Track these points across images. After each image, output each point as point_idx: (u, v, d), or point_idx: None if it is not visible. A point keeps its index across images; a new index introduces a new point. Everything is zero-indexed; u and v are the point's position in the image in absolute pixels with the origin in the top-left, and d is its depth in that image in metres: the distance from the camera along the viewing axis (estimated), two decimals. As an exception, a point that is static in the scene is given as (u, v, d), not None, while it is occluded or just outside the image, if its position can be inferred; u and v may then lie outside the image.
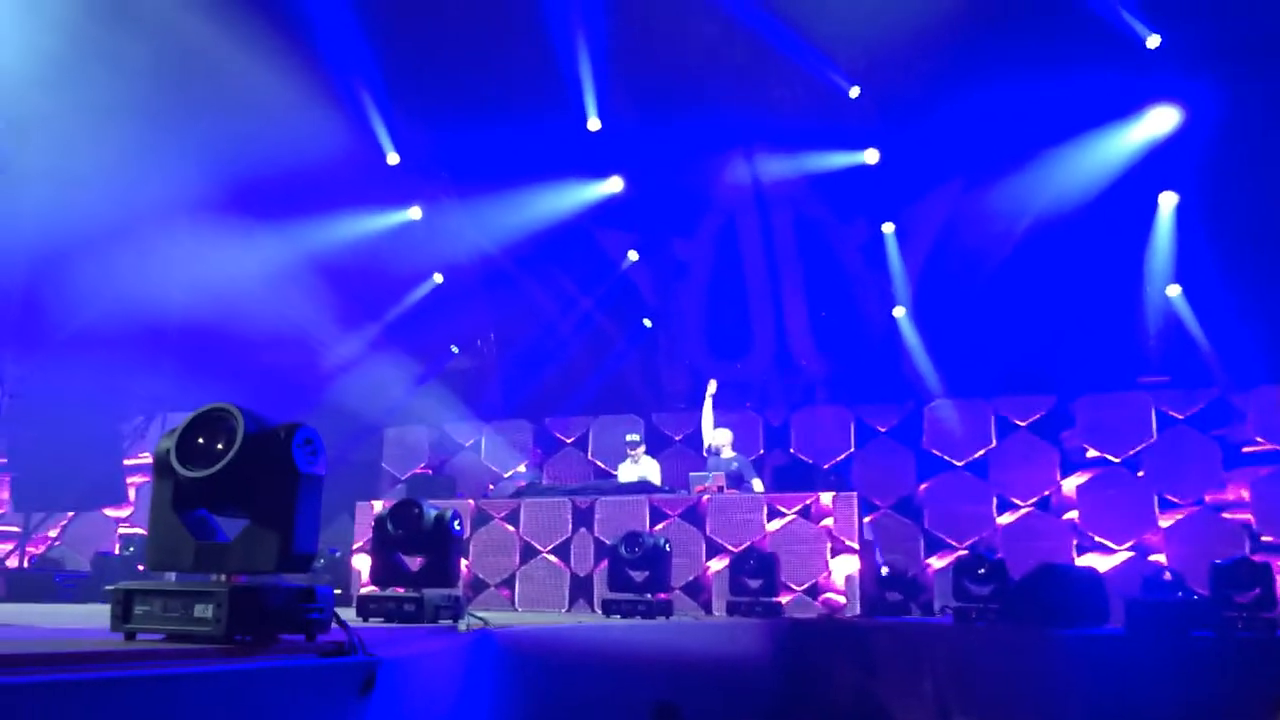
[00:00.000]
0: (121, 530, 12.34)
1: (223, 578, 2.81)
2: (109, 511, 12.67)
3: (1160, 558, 10.05)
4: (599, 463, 11.92)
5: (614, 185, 13.16)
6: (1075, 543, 10.42)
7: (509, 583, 9.84)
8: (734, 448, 10.61)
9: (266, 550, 2.78)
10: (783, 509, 9.26)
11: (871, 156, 12.38)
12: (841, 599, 8.72)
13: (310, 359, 12.47)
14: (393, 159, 12.70)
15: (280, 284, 11.41)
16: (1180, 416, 10.30)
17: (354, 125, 11.86)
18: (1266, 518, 9.79)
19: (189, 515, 2.87)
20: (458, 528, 5.15)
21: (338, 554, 10.18)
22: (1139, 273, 11.64)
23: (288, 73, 10.13)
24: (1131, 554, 10.16)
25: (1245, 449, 10.06)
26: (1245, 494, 9.99)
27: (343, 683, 2.80)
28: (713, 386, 10.86)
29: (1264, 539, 9.64)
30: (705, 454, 10.62)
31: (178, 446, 2.81)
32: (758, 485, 10.17)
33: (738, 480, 9.91)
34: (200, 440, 2.81)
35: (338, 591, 10.00)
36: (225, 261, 10.69)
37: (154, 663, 2.43)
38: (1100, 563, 10.10)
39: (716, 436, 10.54)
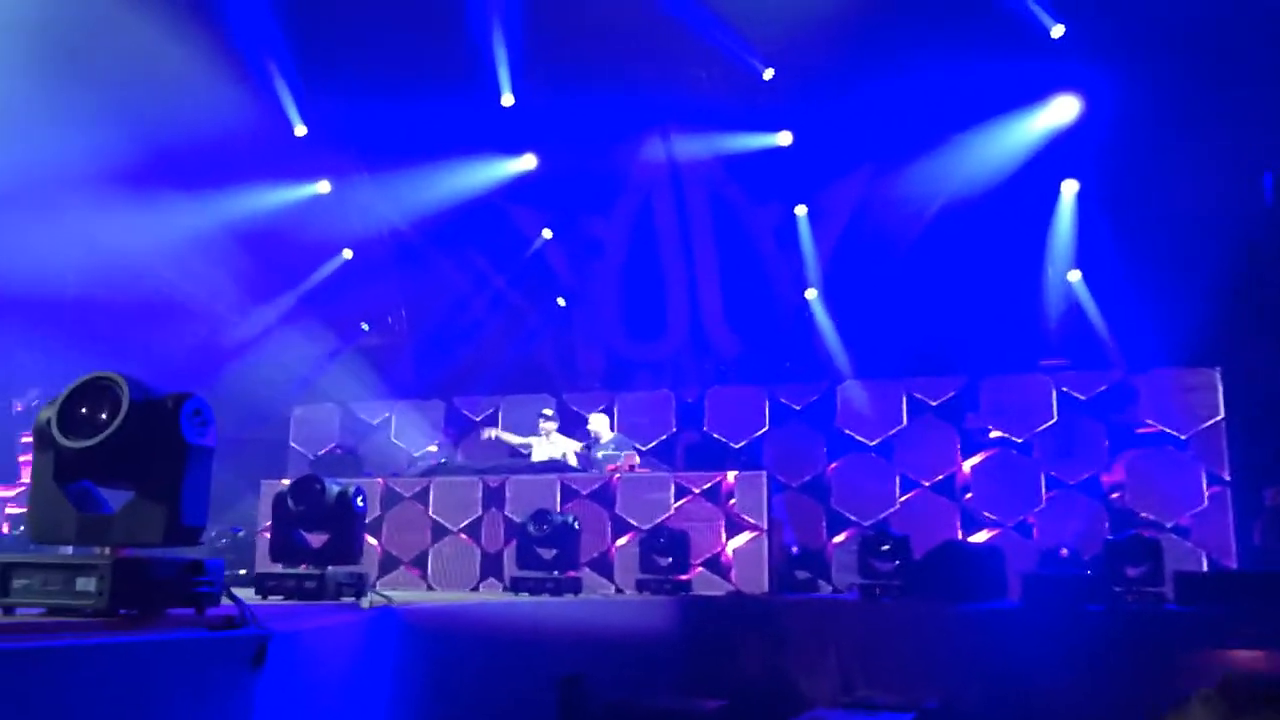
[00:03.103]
0: (10, 510, 11.92)
1: (107, 551, 2.72)
2: (2, 491, 12.22)
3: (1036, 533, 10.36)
4: (518, 449, 11.83)
5: (528, 162, 13.06)
6: (959, 521, 10.67)
7: (420, 561, 9.77)
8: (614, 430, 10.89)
9: (152, 523, 2.70)
10: (691, 488, 9.34)
11: (785, 139, 12.48)
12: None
13: (215, 334, 12.17)
14: (300, 131, 12.42)
15: (184, 256, 11.11)
16: (1082, 398, 10.59)
17: (259, 95, 11.56)
18: (1146, 497, 10.12)
19: (71, 487, 2.77)
20: (360, 504, 5.07)
21: (241, 533, 9.99)
22: (1041, 258, 11.96)
23: (190, 38, 9.82)
24: (1017, 531, 10.43)
25: (1139, 430, 10.39)
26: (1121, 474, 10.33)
27: (233, 656, 2.74)
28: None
29: (1143, 516, 9.98)
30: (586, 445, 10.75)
31: (59, 416, 2.71)
32: (634, 459, 10.32)
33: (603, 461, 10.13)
34: (83, 410, 2.71)
35: (242, 572, 9.83)
36: (125, 232, 10.35)
37: (29, 636, 2.35)
38: (989, 540, 10.37)
39: (595, 424, 10.63)
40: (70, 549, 2.94)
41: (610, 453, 10.27)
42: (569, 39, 11.52)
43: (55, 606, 2.64)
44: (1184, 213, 10.45)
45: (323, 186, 13.06)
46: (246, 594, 4.85)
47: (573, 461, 10.33)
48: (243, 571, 9.48)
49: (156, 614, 2.71)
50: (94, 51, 9.44)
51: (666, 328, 13.39)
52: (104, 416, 2.67)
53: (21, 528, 9.82)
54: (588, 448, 10.64)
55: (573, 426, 11.39)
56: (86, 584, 2.61)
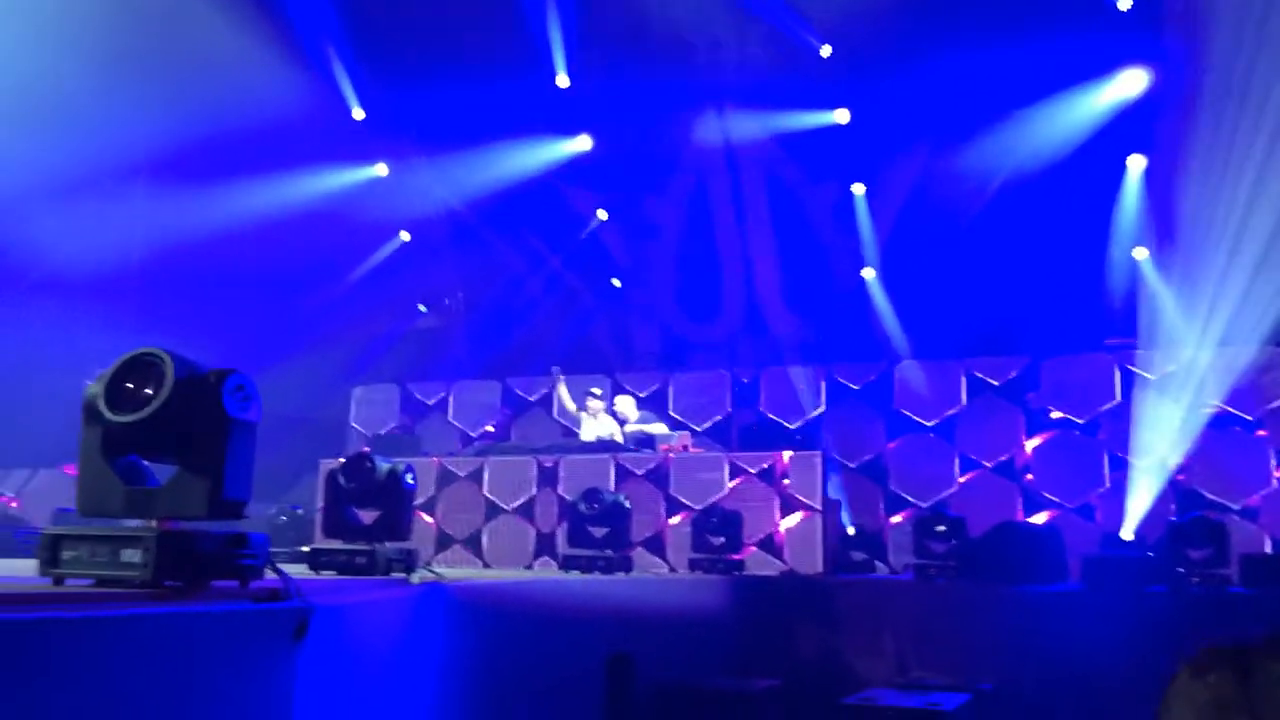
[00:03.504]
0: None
1: (153, 523, 2.77)
2: (70, 468, 12.56)
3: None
4: (563, 421, 11.88)
5: (583, 144, 13.07)
6: (1020, 502, 10.51)
7: (474, 540, 9.86)
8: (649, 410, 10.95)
9: (196, 496, 2.75)
10: (746, 468, 9.31)
11: (842, 116, 12.35)
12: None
13: (275, 317, 12.35)
14: (358, 114, 12.55)
15: (244, 240, 11.28)
16: (1151, 377, 10.34)
17: (318, 80, 11.73)
18: (1213, 478, 9.88)
19: (118, 461, 2.82)
20: (410, 481, 5.13)
21: (300, 511, 10.16)
22: (1106, 235, 11.69)
23: (249, 25, 9.97)
24: (1078, 513, 10.25)
25: (1205, 410, 10.13)
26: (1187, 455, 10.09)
27: (276, 628, 2.78)
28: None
29: (1209, 498, 9.75)
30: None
31: (106, 391, 2.77)
32: (661, 429, 10.36)
33: (648, 443, 10.07)
34: (129, 385, 2.76)
35: (305, 549, 9.98)
36: (188, 215, 10.55)
37: (79, 605, 2.40)
38: (1049, 521, 10.21)
39: (620, 405, 10.63)
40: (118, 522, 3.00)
41: (663, 433, 10.28)
42: (623, 19, 11.50)
43: (102, 578, 2.70)
44: (1252, 188, 10.15)
45: (380, 169, 13.19)
46: (301, 570, 4.94)
47: (619, 439, 10.34)
48: (305, 549, 9.63)
49: (201, 586, 2.76)
50: (156, 39, 9.63)
51: (722, 308, 13.34)
52: (149, 392, 2.72)
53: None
54: (621, 424, 10.63)
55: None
56: (132, 555, 2.66)
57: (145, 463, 2.91)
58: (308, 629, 2.83)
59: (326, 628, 3.04)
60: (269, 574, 3.00)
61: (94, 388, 2.79)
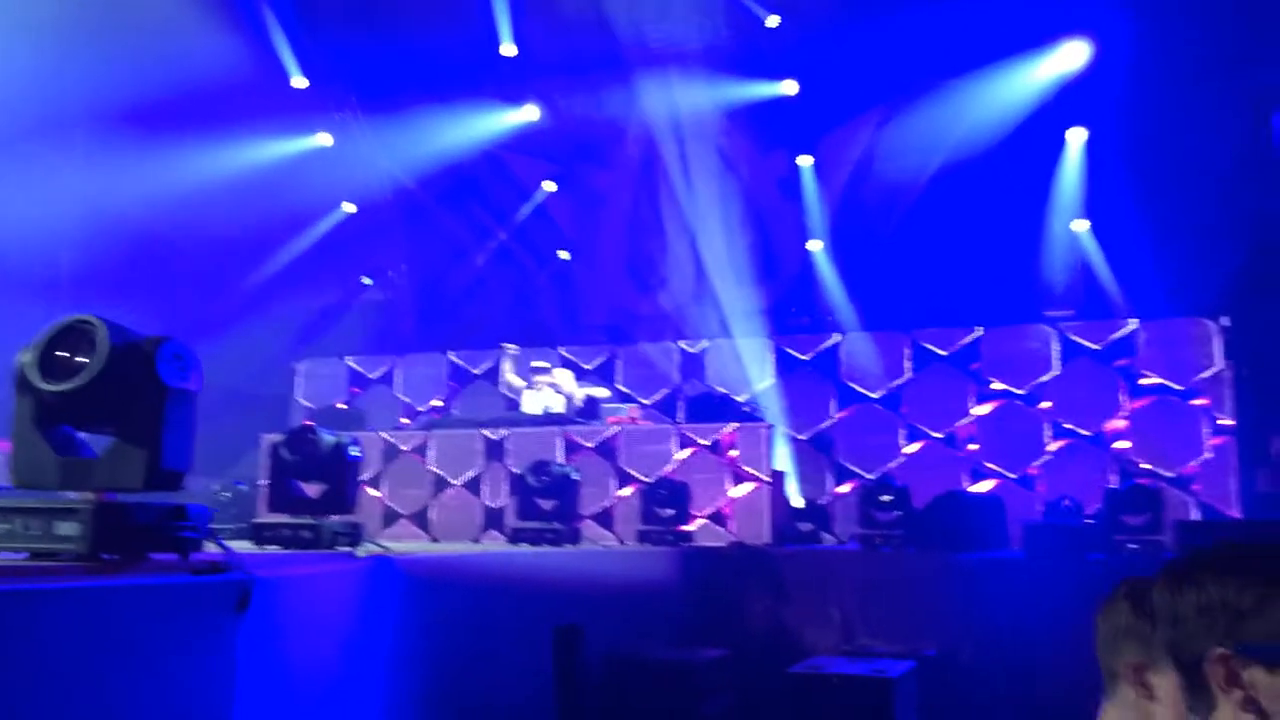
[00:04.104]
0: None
1: (90, 495, 2.70)
2: (3, 443, 12.26)
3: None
4: (509, 394, 11.82)
5: (530, 114, 12.94)
6: (967, 473, 10.68)
7: (421, 515, 9.80)
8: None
9: (133, 467, 2.68)
10: (695, 440, 9.34)
11: (790, 88, 12.34)
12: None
13: (216, 289, 12.13)
14: (299, 82, 12.31)
15: (185, 210, 11.04)
16: (1095, 347, 10.51)
17: (258, 45, 11.46)
18: (1149, 447, 10.11)
19: (52, 431, 2.75)
20: (355, 454, 5.06)
21: (244, 487, 10.01)
22: (1046, 207, 11.83)
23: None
24: (1020, 483, 10.44)
25: (1140, 380, 10.34)
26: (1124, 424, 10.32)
27: (217, 601, 2.73)
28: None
29: (1142, 466, 9.97)
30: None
31: (39, 360, 2.69)
32: (604, 392, 10.51)
33: (592, 407, 10.17)
34: (62, 354, 2.68)
35: (246, 524, 9.85)
36: (122, 185, 10.28)
37: (12, 579, 2.34)
38: (992, 491, 10.38)
39: (558, 376, 10.57)
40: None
41: (606, 395, 10.30)
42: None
43: (37, 551, 2.63)
44: (1194, 160, 10.33)
45: (324, 139, 12.96)
46: (245, 545, 4.87)
47: (559, 410, 10.27)
48: (246, 524, 9.51)
49: (139, 558, 2.70)
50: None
51: (669, 280, 13.32)
52: (83, 360, 2.65)
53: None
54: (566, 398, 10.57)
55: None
56: (68, 528, 2.59)
57: (80, 434, 2.84)
58: (250, 601, 2.79)
59: (269, 600, 3.00)
60: (210, 547, 2.95)
61: (25, 356, 2.70)
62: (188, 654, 2.64)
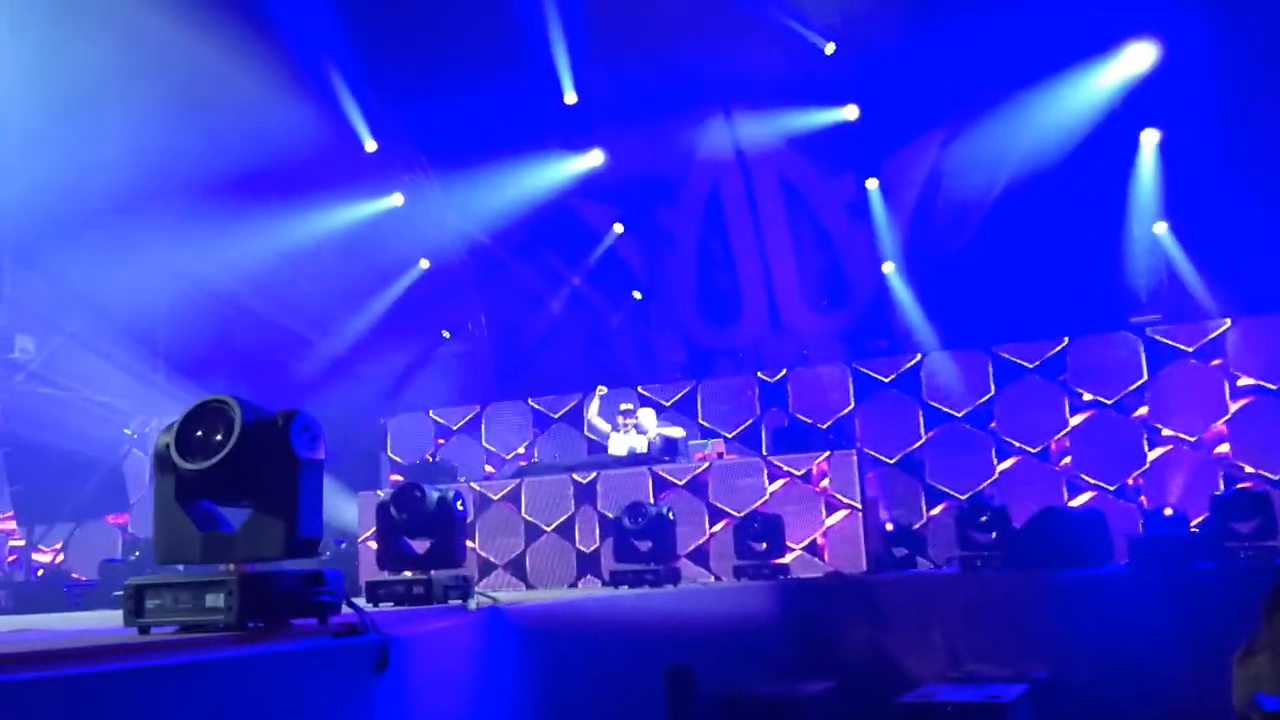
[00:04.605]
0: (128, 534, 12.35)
1: (231, 567, 2.82)
2: (112, 519, 12.67)
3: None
4: (593, 437, 11.90)
5: (595, 159, 13.11)
6: (1064, 486, 10.50)
7: (517, 563, 9.89)
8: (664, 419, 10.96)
9: (272, 537, 2.80)
10: (783, 471, 9.32)
11: (851, 112, 12.35)
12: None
13: (305, 352, 12.45)
14: (370, 146, 12.65)
15: (269, 279, 11.38)
16: (1187, 349, 10.32)
17: (329, 114, 11.80)
18: (1248, 449, 9.86)
19: (193, 507, 2.88)
20: (460, 508, 5.16)
21: (344, 545, 10.21)
22: (1124, 212, 11.63)
23: (258, 62, 10.05)
24: (1119, 494, 10.23)
25: (1237, 382, 10.10)
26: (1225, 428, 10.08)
27: (357, 662, 2.83)
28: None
29: (1247, 470, 9.72)
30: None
31: (177, 440, 2.82)
32: (679, 431, 10.42)
33: (672, 447, 10.14)
34: (199, 433, 2.81)
35: (347, 583, 10.04)
36: (212, 258, 10.66)
37: (169, 653, 2.45)
38: (1090, 503, 10.20)
39: (641, 416, 10.60)
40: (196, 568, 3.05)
41: (680, 435, 10.32)
42: (626, 31, 11.54)
43: (187, 623, 2.75)
44: (1274, 151, 10.12)
45: (396, 199, 13.27)
46: (359, 603, 4.98)
47: (643, 450, 10.31)
48: (348, 581, 9.70)
49: (282, 625, 2.81)
50: (168, 82, 9.69)
51: (743, 312, 13.36)
52: (219, 438, 2.77)
53: (136, 553, 10.15)
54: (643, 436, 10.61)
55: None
56: (215, 600, 2.71)
57: (218, 508, 2.96)
58: (388, 661, 2.87)
59: (402, 657, 3.09)
60: (345, 609, 3.04)
61: (164, 437, 2.84)
62: (332, 714, 2.73)
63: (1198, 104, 10.68)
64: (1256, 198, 10.30)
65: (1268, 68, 10.01)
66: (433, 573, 5.00)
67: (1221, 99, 10.46)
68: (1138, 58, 11.01)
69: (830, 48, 11.80)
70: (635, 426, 10.50)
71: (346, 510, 10.39)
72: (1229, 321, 10.25)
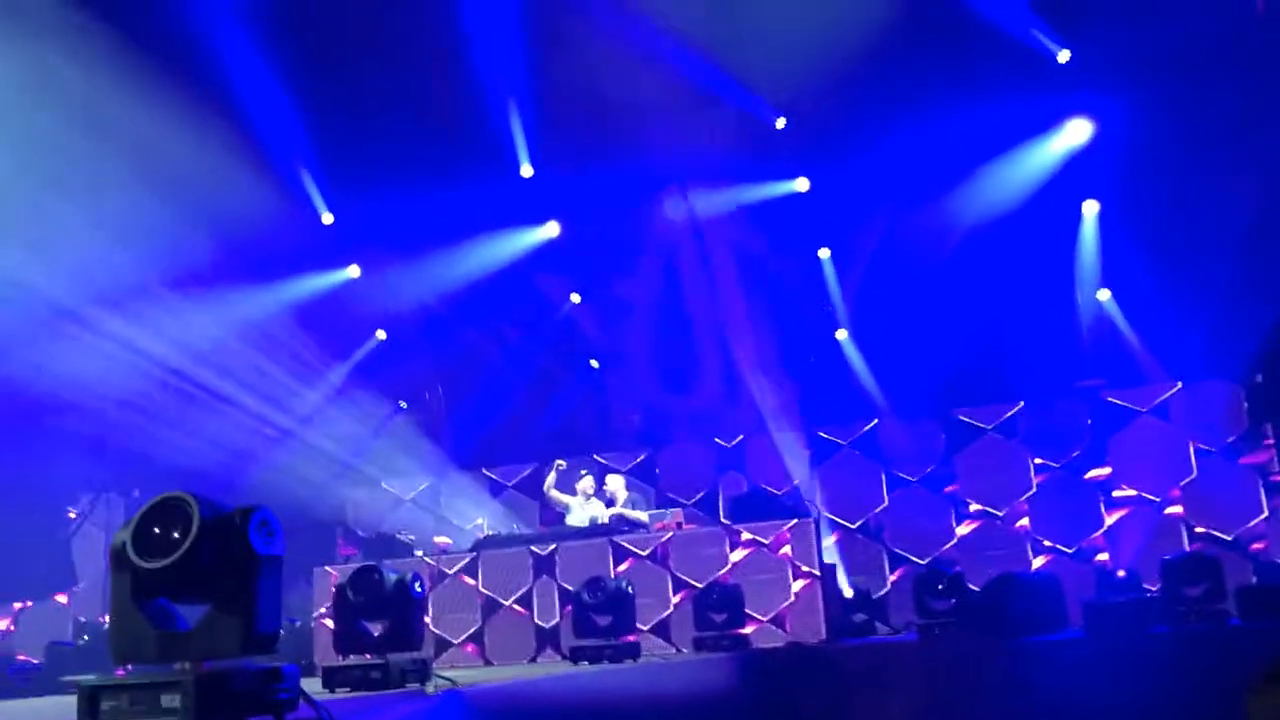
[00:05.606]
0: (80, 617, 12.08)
1: (187, 665, 2.80)
2: (60, 598, 12.39)
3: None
4: (556, 509, 11.87)
5: (551, 230, 13.23)
6: (1022, 547, 10.64)
7: (475, 637, 9.78)
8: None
9: (229, 634, 2.79)
10: (746, 540, 9.33)
11: (802, 185, 12.59)
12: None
13: (258, 427, 12.33)
14: (327, 219, 12.69)
15: (221, 355, 11.32)
16: (1141, 410, 10.55)
17: (286, 188, 11.84)
18: (1202, 510, 10.06)
19: (149, 605, 2.86)
20: (419, 589, 5.15)
21: (298, 624, 10.05)
22: (1070, 280, 11.92)
23: (214, 141, 10.09)
24: (1076, 557, 10.38)
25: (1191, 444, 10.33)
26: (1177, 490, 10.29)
27: (315, 760, 2.81)
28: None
29: (1197, 530, 9.91)
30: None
31: (134, 538, 2.81)
32: (643, 516, 10.33)
33: (633, 524, 10.10)
34: (156, 530, 2.81)
35: (301, 662, 9.85)
36: (164, 337, 10.59)
37: (124, 759, 2.43)
38: (1046, 567, 10.33)
39: (611, 484, 10.62)
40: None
41: (643, 520, 10.28)
42: (581, 106, 11.71)
43: (143, 725, 2.72)
44: (1208, 223, 10.44)
45: (353, 271, 13.30)
46: (312, 686, 4.93)
47: (604, 519, 10.30)
48: (301, 662, 9.51)
49: (239, 724, 2.79)
50: (123, 165, 9.68)
51: (700, 380, 13.44)
52: (176, 535, 2.77)
53: (85, 637, 9.92)
54: (609, 506, 10.60)
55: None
56: (171, 701, 2.69)
57: (174, 605, 2.95)
58: (347, 758, 2.85)
59: (361, 752, 3.07)
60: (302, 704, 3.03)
61: (121, 534, 2.84)
62: (292, 817, 2.70)
63: (1131, 176, 11.02)
64: (1192, 266, 10.60)
65: (1189, 146, 10.37)
66: (390, 656, 4.97)
67: (1152, 171, 10.79)
68: (1076, 133, 11.35)
69: (781, 122, 12.05)
70: (600, 493, 10.51)
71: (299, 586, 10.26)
72: (1179, 384, 10.51)
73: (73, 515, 11.84)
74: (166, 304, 10.64)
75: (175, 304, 10.71)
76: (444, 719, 4.23)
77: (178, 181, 9.83)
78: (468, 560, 10.06)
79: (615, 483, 10.70)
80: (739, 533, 9.41)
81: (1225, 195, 10.36)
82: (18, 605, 12.10)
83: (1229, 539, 9.79)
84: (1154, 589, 8.79)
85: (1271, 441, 10.09)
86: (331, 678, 4.93)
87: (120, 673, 3.04)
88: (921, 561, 10.61)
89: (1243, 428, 10.24)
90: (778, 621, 8.98)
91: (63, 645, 9.98)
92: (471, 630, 9.79)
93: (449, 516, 12.59)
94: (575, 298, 14.01)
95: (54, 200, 9.28)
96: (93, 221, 9.47)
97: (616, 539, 9.68)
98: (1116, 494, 10.41)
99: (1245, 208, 10.45)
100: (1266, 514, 9.82)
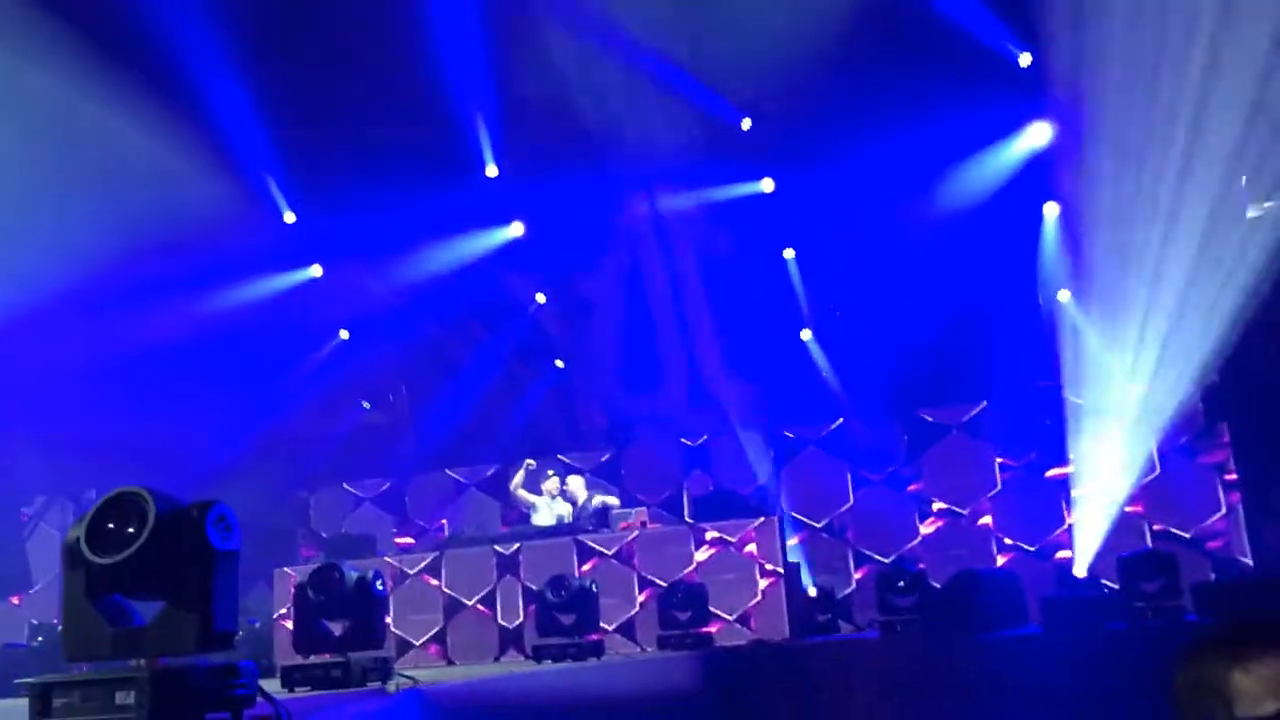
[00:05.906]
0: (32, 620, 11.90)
1: (142, 662, 2.77)
2: (14, 600, 12.21)
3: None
4: (521, 508, 11.85)
5: (516, 230, 13.20)
6: (985, 545, 10.73)
7: (438, 638, 9.73)
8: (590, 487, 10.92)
9: (186, 631, 2.76)
10: (709, 538, 9.36)
11: (767, 185, 12.64)
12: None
13: (219, 427, 12.21)
14: (289, 217, 12.58)
15: (181, 353, 11.19)
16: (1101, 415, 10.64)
17: (248, 187, 11.72)
18: (1162, 508, 10.19)
19: (103, 602, 2.82)
20: (380, 588, 5.12)
21: (257, 624, 9.96)
22: (1033, 280, 12.04)
23: (175, 139, 9.97)
24: (1038, 555, 10.48)
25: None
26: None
27: (273, 757, 2.78)
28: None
29: (1155, 528, 10.05)
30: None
31: (88, 533, 2.77)
32: (614, 500, 10.45)
33: (602, 516, 10.07)
34: (111, 525, 2.77)
35: (260, 663, 9.75)
36: (123, 334, 10.46)
37: (76, 756, 2.40)
38: (1007, 564, 10.43)
39: (572, 484, 10.61)
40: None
41: (616, 504, 10.32)
42: (546, 106, 11.68)
43: (96, 723, 2.69)
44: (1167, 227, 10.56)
45: (315, 270, 13.19)
46: (272, 686, 4.89)
47: (569, 518, 10.30)
48: (261, 662, 9.43)
49: (195, 721, 2.76)
50: (80, 160, 9.56)
51: (665, 380, 13.46)
52: (131, 530, 2.73)
53: (39, 638, 9.77)
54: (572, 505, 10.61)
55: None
56: (125, 698, 2.65)
57: (129, 601, 2.91)
58: (305, 754, 2.83)
59: (319, 750, 3.05)
60: (260, 700, 3.00)
61: (75, 530, 2.79)
62: (248, 814, 2.68)
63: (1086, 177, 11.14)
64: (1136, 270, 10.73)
65: (1142, 152, 10.49)
66: (351, 655, 4.94)
67: (1107, 177, 10.91)
68: (1037, 135, 11.47)
69: (746, 123, 12.09)
70: (564, 494, 10.50)
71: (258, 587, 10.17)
72: (1142, 387, 10.63)
73: (25, 517, 11.65)
74: (121, 301, 10.49)
75: (130, 301, 10.57)
76: (404, 716, 4.21)
77: (136, 179, 9.70)
78: (430, 560, 10.01)
79: (575, 483, 10.69)
80: (704, 531, 9.43)
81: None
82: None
83: (1188, 536, 9.93)
84: (1112, 585, 8.92)
85: (1228, 440, 10.24)
86: (291, 676, 4.89)
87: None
88: (886, 560, 10.69)
89: (1199, 427, 10.39)
90: (743, 620, 9.01)
91: (17, 648, 9.83)
92: (434, 631, 9.74)
93: (409, 515, 12.52)
94: (540, 297, 13.99)
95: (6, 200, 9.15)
96: (41, 216, 9.33)
97: (581, 538, 9.67)
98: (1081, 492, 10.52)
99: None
100: (1224, 511, 9.97)
